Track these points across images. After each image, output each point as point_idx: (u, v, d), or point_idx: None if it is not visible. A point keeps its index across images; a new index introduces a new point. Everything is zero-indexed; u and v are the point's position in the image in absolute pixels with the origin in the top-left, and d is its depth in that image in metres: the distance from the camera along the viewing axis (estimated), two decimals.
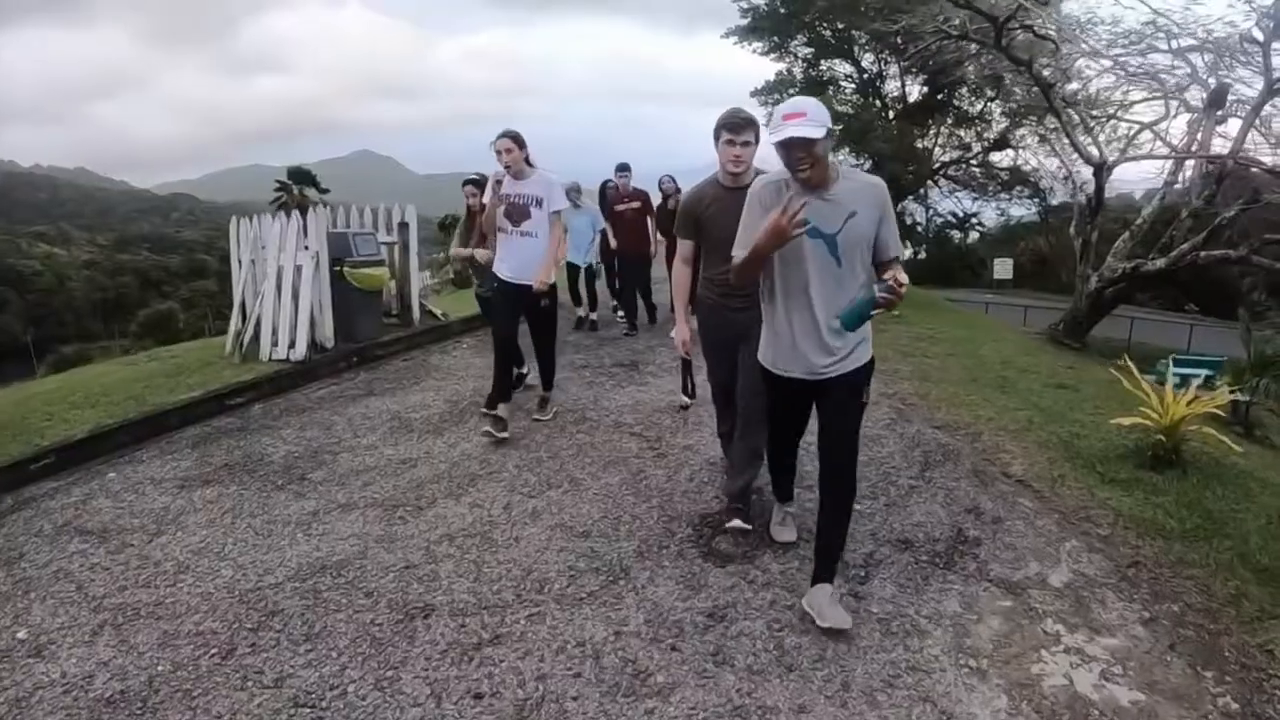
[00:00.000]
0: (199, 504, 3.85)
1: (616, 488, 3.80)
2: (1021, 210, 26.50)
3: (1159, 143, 11.15)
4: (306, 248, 6.74)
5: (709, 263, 3.33)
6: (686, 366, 4.18)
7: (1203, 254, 9.69)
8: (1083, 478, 4.24)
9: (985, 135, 20.10)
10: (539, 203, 4.45)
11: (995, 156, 22.61)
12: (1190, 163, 10.30)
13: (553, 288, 4.61)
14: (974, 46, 20.06)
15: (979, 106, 21.72)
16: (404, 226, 7.86)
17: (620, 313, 8.46)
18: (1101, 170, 9.74)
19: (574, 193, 8.03)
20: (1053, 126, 19.37)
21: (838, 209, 2.50)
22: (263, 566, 3.19)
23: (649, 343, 7.16)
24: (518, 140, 4.38)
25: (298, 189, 40.52)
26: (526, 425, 4.81)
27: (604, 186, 8.84)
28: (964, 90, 22.28)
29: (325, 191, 41.44)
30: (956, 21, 11.14)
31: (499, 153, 4.35)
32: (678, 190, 7.78)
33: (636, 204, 8.00)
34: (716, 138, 3.14)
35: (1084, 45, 10.48)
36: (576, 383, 5.86)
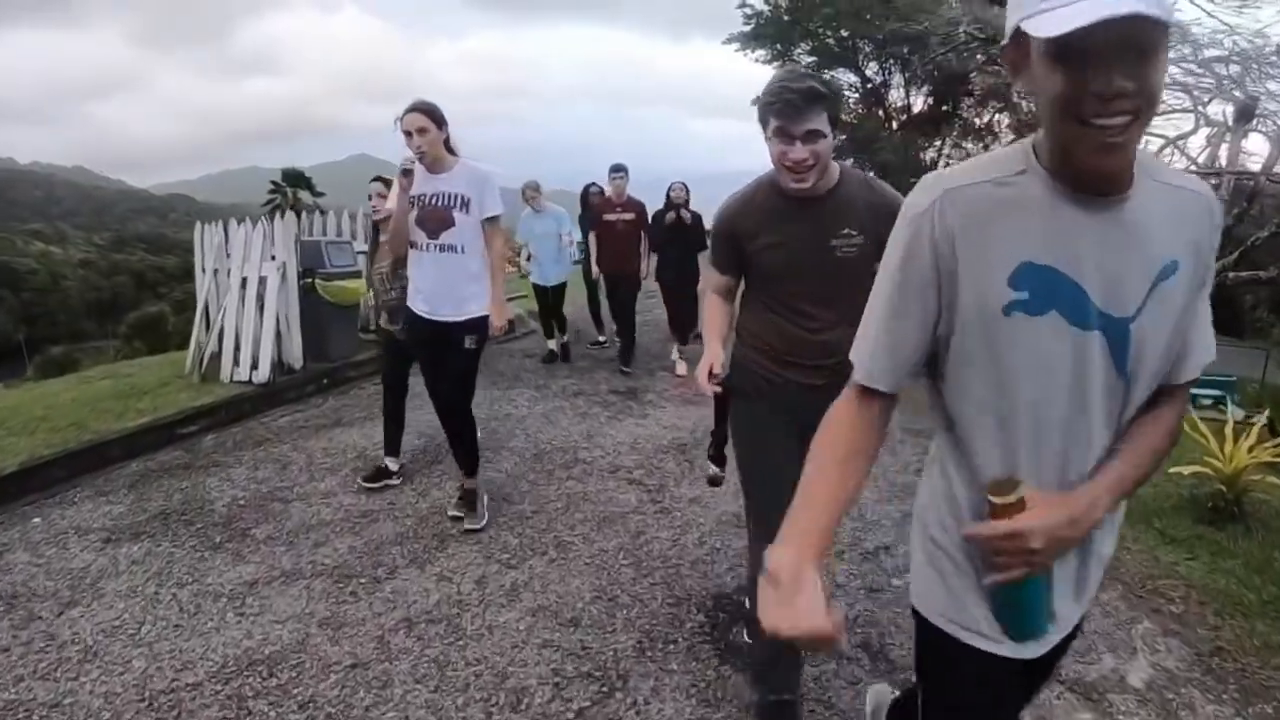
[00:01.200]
0: (123, 564, 3.26)
1: (612, 555, 3.22)
2: None
3: (1180, 157, 10.65)
4: (273, 257, 6.17)
5: (758, 306, 2.18)
6: (720, 413, 2.56)
7: (1231, 275, 9.17)
8: (1142, 537, 3.78)
9: (992, 148, 19.60)
10: (464, 204, 3.21)
11: None
12: (1219, 179, 9.78)
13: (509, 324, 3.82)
14: (980, 56, 19.74)
15: (986, 118, 21.33)
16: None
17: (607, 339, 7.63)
18: None
19: (530, 190, 7.16)
20: None
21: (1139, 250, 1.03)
22: (182, 658, 2.60)
23: (649, 365, 6.60)
24: (434, 115, 3.14)
25: (292, 191, 39.91)
26: (511, 471, 4.23)
27: (586, 191, 7.67)
28: (969, 101, 21.96)
29: (320, 195, 40.78)
30: (963, 30, 10.69)
31: (408, 133, 3.10)
32: (688, 199, 6.59)
33: (630, 215, 6.64)
34: (764, 125, 1.94)
35: None
36: (569, 413, 5.29)
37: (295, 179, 41.11)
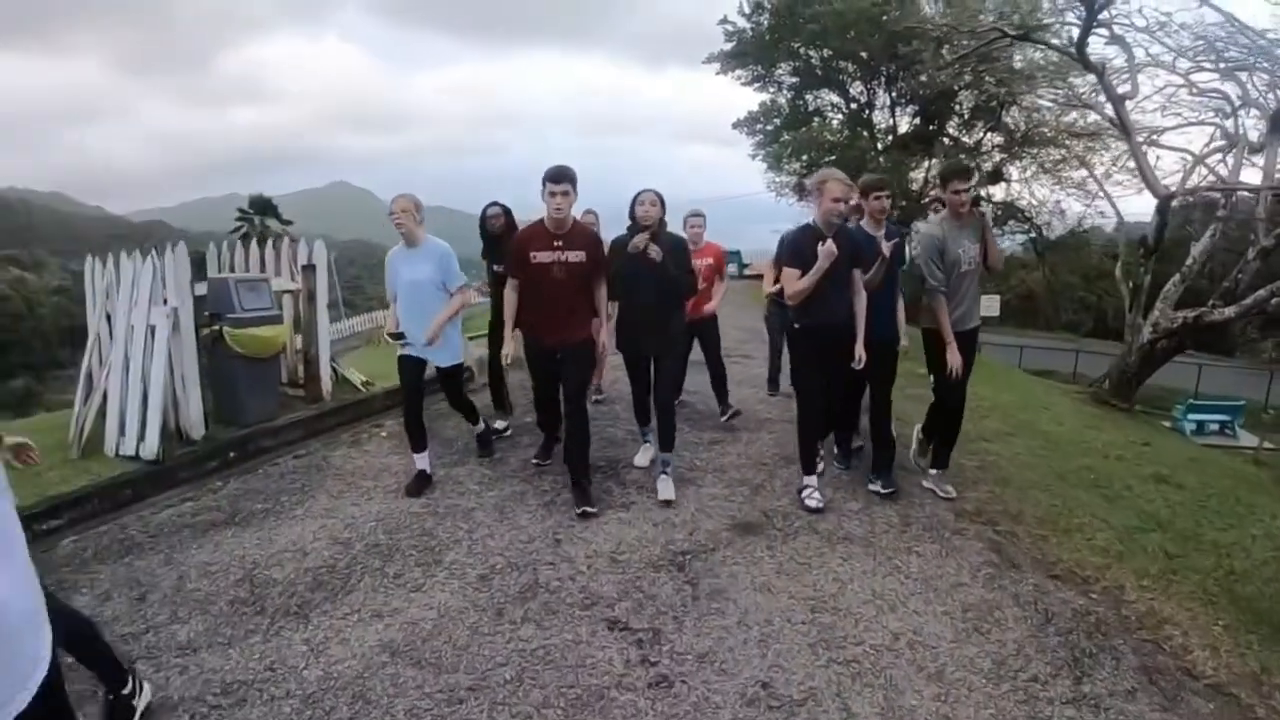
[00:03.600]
0: None
1: None
2: (1006, 243, 25.51)
3: (1205, 171, 9.82)
4: (166, 300, 4.99)
5: None
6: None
7: (1274, 301, 8.26)
8: None
9: (983, 167, 18.94)
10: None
11: (988, 189, 21.60)
12: (1256, 196, 8.92)
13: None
14: (968, 75, 19.13)
15: (975, 138, 20.71)
16: (310, 270, 6.08)
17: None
18: (1168, 205, 8.31)
19: (401, 209, 4.39)
20: (1057, 158, 18.38)
21: None
22: None
23: (630, 426, 5.36)
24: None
25: (259, 219, 38.61)
26: (444, 606, 3.10)
27: (484, 216, 5.38)
28: (957, 121, 21.34)
29: (288, 223, 39.48)
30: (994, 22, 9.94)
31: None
32: (661, 222, 4.15)
33: (578, 254, 4.14)
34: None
35: (1153, 52, 9.10)
36: (530, 503, 4.13)
37: (263, 206, 39.84)
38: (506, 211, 5.40)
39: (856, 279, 4.05)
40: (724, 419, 5.67)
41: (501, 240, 5.10)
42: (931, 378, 4.31)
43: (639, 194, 4.22)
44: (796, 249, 3.95)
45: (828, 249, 3.78)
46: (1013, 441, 5.79)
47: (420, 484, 4.40)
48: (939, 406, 4.36)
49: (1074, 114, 15.82)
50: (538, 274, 3.98)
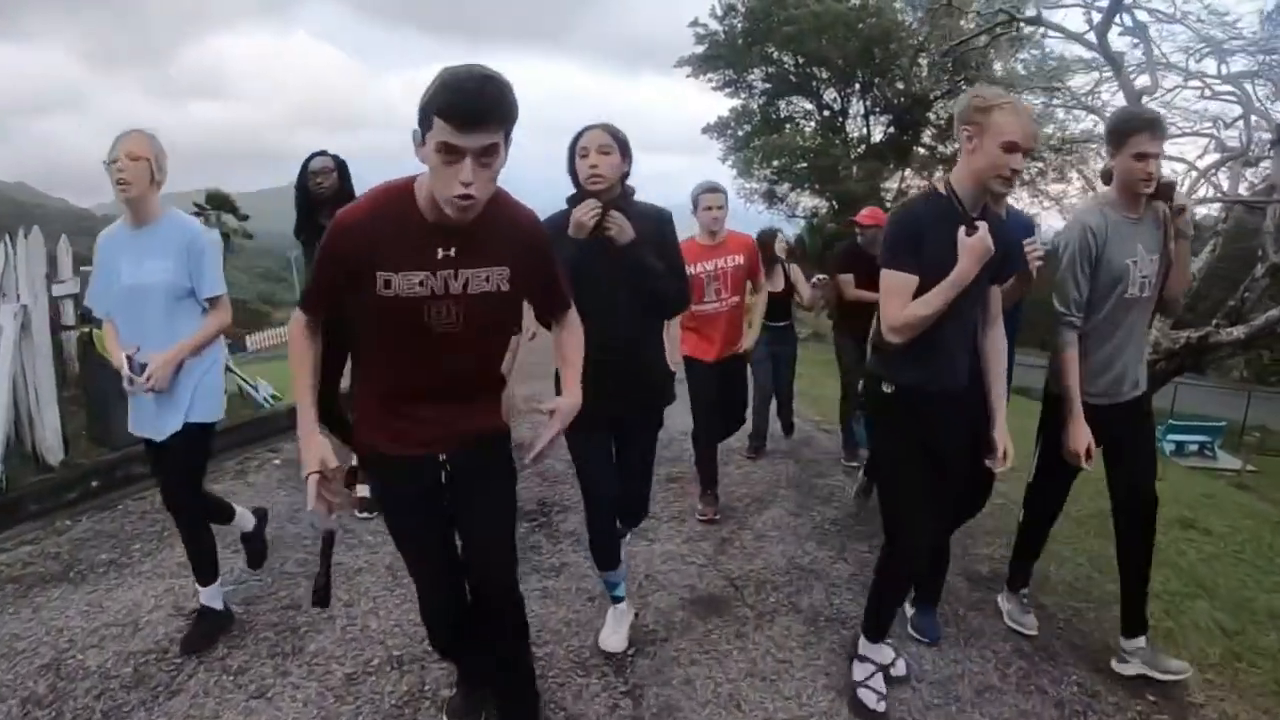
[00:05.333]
0: None
1: None
2: None
3: (1204, 185, 9.35)
4: (19, 298, 4.11)
5: None
6: None
7: None
8: None
9: None
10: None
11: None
12: (1249, 211, 8.43)
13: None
14: (946, 84, 18.71)
15: (952, 148, 20.37)
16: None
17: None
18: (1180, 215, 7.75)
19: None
20: (1035, 171, 17.98)
21: None
22: None
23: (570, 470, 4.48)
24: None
25: (215, 214, 37.24)
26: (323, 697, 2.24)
27: (304, 171, 3.54)
28: (930, 132, 21.00)
29: (244, 219, 38.18)
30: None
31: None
32: (623, 184, 2.37)
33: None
34: None
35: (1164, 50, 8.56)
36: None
37: (220, 202, 38.53)
38: (340, 165, 3.53)
39: (993, 301, 2.29)
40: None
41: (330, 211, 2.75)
42: (1036, 460, 2.71)
43: (581, 133, 2.30)
44: (913, 234, 2.09)
45: (979, 242, 2.01)
46: (1019, 478, 5.06)
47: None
48: (1034, 509, 2.87)
49: (1050, 126, 15.37)
50: (396, 318, 1.65)
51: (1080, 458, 2.39)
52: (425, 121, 1.44)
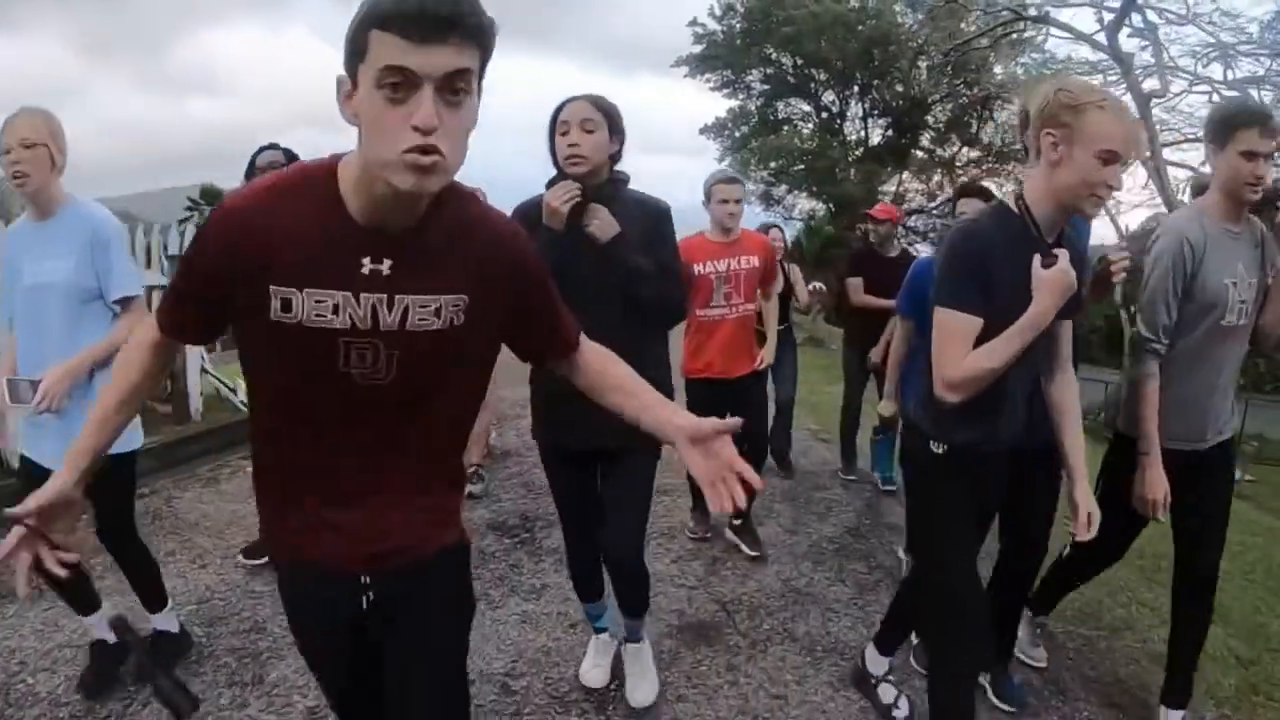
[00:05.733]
0: None
1: None
2: None
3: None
4: None
5: None
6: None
7: None
8: None
9: (959, 180, 18.48)
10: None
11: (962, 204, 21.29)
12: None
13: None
14: (945, 87, 18.60)
15: (950, 151, 20.30)
16: (177, 260, 5.04)
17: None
18: None
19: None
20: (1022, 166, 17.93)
21: None
22: None
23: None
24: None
25: (209, 209, 37.10)
26: None
27: (252, 166, 3.04)
28: (929, 135, 20.92)
29: None
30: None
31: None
32: (613, 168, 2.16)
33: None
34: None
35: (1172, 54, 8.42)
36: None
37: (213, 197, 38.36)
38: (291, 160, 2.99)
39: (1064, 340, 1.88)
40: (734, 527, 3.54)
41: None
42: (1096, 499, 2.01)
43: (563, 105, 1.96)
44: (979, 264, 1.68)
45: (1061, 275, 1.62)
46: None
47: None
48: (1083, 548, 2.23)
49: None
50: (298, 360, 1.08)
51: (1156, 507, 2.05)
52: (357, 49, 0.93)
